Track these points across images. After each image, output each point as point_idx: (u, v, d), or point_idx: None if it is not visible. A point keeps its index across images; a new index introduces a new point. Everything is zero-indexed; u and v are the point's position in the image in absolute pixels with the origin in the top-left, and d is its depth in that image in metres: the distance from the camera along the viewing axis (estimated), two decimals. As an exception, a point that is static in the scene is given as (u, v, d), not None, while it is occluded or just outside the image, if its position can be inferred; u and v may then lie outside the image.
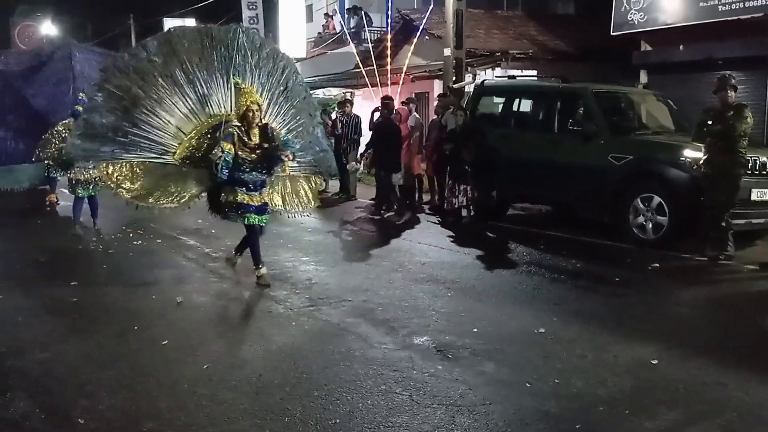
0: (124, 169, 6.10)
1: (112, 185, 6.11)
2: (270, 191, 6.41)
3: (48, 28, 28.49)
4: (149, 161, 6.12)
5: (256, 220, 6.06)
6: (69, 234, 8.61)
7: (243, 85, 6.08)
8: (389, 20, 17.00)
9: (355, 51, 16.84)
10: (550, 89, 9.93)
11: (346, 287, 6.15)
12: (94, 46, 12.70)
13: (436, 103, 11.97)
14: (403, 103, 11.83)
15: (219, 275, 6.75)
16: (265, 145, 5.96)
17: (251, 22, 22.13)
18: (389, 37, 15.65)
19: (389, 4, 17.71)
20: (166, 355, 4.60)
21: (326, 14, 24.19)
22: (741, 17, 10.82)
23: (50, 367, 4.38)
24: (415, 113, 11.27)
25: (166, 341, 4.82)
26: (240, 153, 5.87)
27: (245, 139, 5.91)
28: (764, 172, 7.65)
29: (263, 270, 6.22)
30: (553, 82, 10.03)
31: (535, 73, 14.33)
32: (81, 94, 9.01)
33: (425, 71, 15.71)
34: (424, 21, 15.18)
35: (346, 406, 3.81)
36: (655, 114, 9.54)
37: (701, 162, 7.35)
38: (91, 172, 8.33)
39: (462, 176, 9.62)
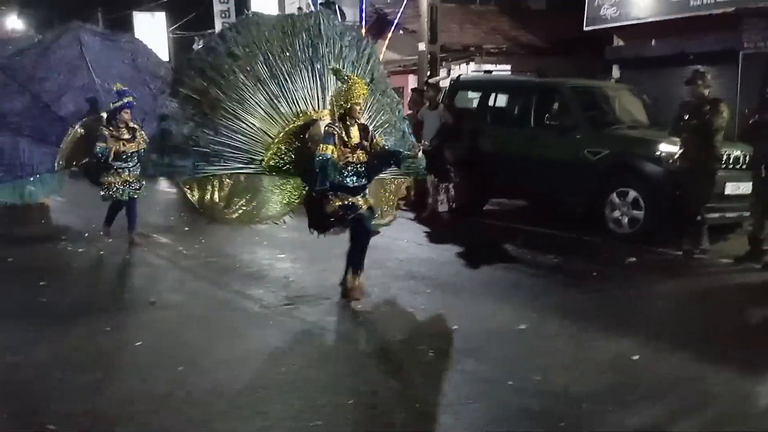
0: (208, 185, 5.46)
1: (197, 205, 5.52)
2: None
3: (14, 23, 27.85)
4: (235, 172, 5.48)
5: (368, 221, 5.36)
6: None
7: (350, 75, 5.27)
8: (363, 14, 16.90)
9: (328, 45, 16.66)
10: (526, 84, 9.96)
11: (325, 285, 6.04)
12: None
13: (409, 98, 11.90)
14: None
15: (193, 274, 6.62)
16: (365, 143, 5.29)
17: (223, 15, 21.87)
18: (363, 31, 15.54)
19: (363, -2, 17.63)
20: (141, 357, 4.47)
21: (299, 8, 24.00)
22: (712, 12, 10.94)
23: (20, 372, 4.22)
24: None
25: (140, 342, 4.69)
26: (341, 155, 5.17)
27: (345, 138, 5.20)
28: (738, 166, 7.71)
29: (362, 279, 5.51)
30: (530, 77, 10.04)
31: (509, 67, 14.35)
32: (116, 84, 7.83)
33: (400, 66, 15.66)
34: (399, 15, 15.11)
35: (329, 407, 3.73)
36: (630, 108, 9.59)
37: (677, 156, 7.39)
38: (133, 171, 7.60)
39: (445, 175, 9.59)
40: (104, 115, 8.02)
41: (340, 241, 5.64)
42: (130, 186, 7.64)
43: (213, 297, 5.87)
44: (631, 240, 7.80)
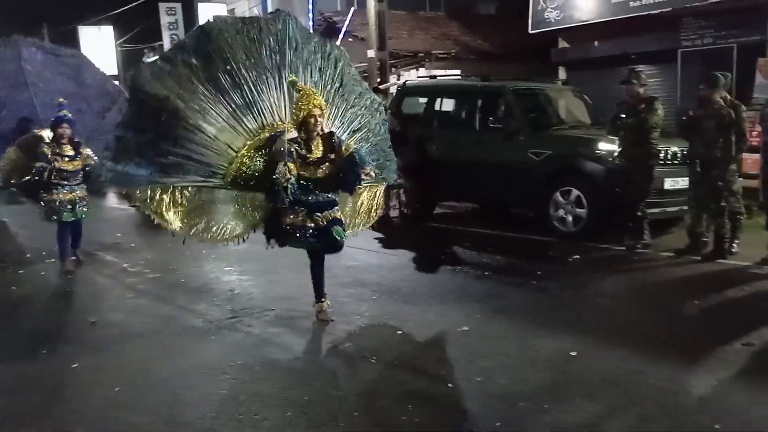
0: (164, 196, 5.09)
1: (152, 215, 5.11)
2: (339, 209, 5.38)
3: (-45, 39, 27.23)
4: (194, 185, 5.12)
5: (319, 245, 5.16)
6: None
7: (301, 86, 5.03)
8: (312, 23, 16.90)
9: (278, 55, 16.60)
10: (470, 88, 10.02)
11: (270, 296, 6.01)
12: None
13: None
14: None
15: (136, 291, 6.51)
16: (332, 156, 5.04)
17: (170, 27, 21.66)
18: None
19: (311, 7, 17.65)
20: (79, 379, 4.39)
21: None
22: (651, 12, 11.21)
23: (-49, 400, 4.11)
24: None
25: (76, 364, 4.58)
26: (301, 170, 4.95)
27: (305, 153, 4.98)
28: (676, 162, 7.91)
29: (325, 304, 5.44)
30: (473, 81, 10.12)
31: (458, 72, 14.47)
32: (60, 98, 7.43)
33: (349, 73, 15.66)
34: (347, 23, 15.14)
35: (268, 421, 3.70)
36: (572, 109, 9.76)
37: (616, 154, 7.56)
38: (77, 190, 7.19)
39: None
40: (42, 132, 7.65)
41: (288, 252, 5.57)
42: (74, 206, 7.20)
43: (156, 314, 5.77)
44: (576, 237, 7.93)
